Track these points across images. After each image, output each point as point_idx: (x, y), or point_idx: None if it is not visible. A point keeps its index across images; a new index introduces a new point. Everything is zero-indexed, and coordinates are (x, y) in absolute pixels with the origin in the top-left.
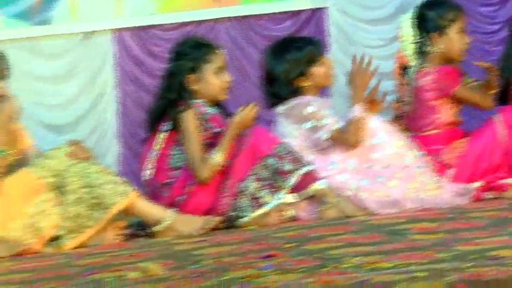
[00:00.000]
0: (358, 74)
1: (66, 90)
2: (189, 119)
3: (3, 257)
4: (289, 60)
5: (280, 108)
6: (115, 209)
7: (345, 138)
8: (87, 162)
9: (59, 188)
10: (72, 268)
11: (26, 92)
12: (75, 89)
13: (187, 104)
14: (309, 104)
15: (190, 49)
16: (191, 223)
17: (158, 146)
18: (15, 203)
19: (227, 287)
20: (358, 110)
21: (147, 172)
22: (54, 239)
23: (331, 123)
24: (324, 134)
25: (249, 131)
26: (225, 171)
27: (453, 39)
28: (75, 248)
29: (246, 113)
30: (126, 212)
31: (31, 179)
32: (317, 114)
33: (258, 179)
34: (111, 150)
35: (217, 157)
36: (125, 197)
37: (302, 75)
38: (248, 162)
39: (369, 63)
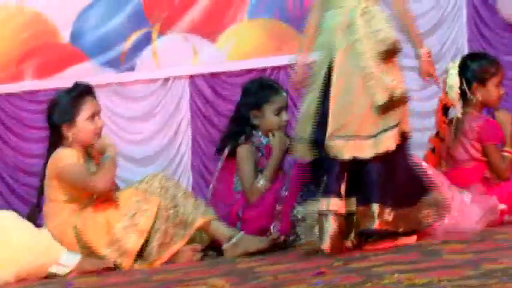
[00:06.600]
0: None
1: (148, 128)
2: (243, 152)
3: (90, 272)
4: None
5: None
6: (196, 225)
7: None
8: (175, 187)
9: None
10: (149, 283)
11: (113, 129)
12: (155, 127)
13: (246, 138)
14: None
15: (256, 88)
16: (256, 242)
17: (218, 170)
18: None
19: None
20: None
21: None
22: (140, 255)
23: None
24: None
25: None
26: (277, 198)
27: (491, 91)
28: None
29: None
30: (203, 230)
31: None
32: None
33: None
34: (186, 179)
35: (261, 182)
36: (205, 216)
37: None
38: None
39: None
